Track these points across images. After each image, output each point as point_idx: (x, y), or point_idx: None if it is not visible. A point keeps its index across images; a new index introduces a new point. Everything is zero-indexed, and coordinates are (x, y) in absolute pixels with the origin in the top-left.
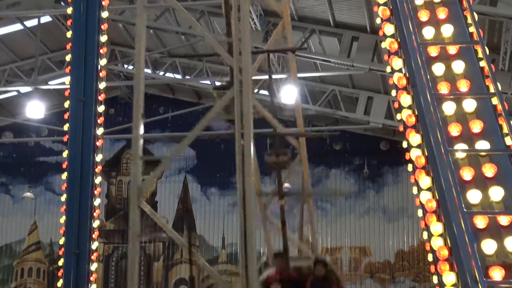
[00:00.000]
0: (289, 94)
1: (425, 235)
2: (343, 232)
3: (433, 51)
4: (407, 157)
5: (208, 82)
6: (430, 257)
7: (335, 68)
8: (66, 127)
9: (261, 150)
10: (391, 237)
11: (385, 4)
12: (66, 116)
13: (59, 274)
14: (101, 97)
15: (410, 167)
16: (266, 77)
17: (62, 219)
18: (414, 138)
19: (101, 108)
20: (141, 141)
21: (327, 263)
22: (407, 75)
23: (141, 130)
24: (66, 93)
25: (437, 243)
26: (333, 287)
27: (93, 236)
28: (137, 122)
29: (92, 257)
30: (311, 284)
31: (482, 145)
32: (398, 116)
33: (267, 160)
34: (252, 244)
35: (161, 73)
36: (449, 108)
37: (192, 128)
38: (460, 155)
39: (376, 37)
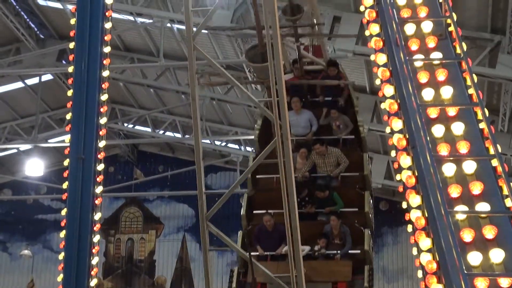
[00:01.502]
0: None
1: None
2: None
3: (433, 112)
4: (406, 218)
5: (208, 141)
6: None
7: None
8: (65, 185)
9: None
10: None
11: (384, 65)
12: (65, 174)
13: None
14: (101, 156)
15: (409, 228)
16: None
17: (60, 278)
18: (414, 199)
19: (100, 167)
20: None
21: (338, 64)
22: (407, 136)
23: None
24: (66, 151)
25: None
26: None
27: None
28: (199, 160)
29: None
30: (322, 78)
31: (482, 206)
32: (398, 177)
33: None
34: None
35: (161, 132)
36: (449, 169)
37: (192, 187)
38: (460, 216)
39: (376, 97)
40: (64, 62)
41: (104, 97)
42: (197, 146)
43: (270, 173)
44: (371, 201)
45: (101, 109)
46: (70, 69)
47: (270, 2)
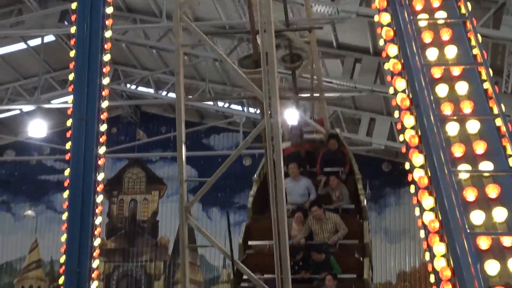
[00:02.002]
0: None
1: (427, 256)
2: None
3: (437, 72)
4: (409, 179)
5: (210, 102)
6: (432, 278)
7: (338, 90)
8: (68, 145)
9: None
10: (392, 258)
11: (388, 25)
12: (68, 134)
13: None
14: (104, 116)
15: (412, 189)
16: None
17: (63, 238)
18: (417, 158)
19: (103, 127)
20: (185, 165)
21: (339, 137)
22: (411, 96)
23: (184, 154)
24: (69, 112)
25: (439, 263)
26: (343, 159)
27: (94, 254)
28: (180, 147)
29: (93, 275)
30: (323, 155)
31: (486, 166)
32: (401, 137)
33: (285, 64)
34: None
35: (164, 92)
36: (452, 129)
37: (194, 148)
38: (463, 175)
39: (379, 59)
40: (66, 23)
41: (107, 57)
42: (179, 131)
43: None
44: (371, 269)
45: (104, 70)
46: (73, 29)
47: (266, 7)
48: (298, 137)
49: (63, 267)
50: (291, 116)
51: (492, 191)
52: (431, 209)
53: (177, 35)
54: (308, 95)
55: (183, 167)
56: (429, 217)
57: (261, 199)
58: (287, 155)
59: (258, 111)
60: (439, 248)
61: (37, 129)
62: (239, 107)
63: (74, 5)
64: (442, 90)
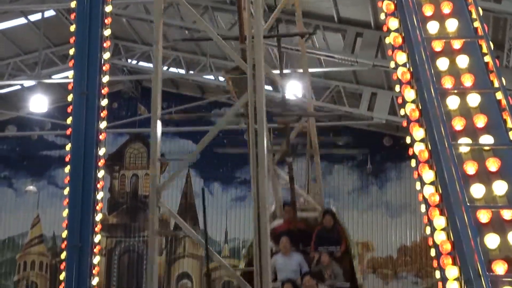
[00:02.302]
0: (295, 89)
1: (427, 230)
2: (347, 227)
3: (438, 45)
4: (410, 153)
5: (211, 77)
6: (432, 252)
7: (339, 64)
8: (69, 120)
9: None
10: (393, 233)
11: None
12: (69, 109)
13: (62, 267)
14: (104, 91)
15: (413, 163)
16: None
17: (65, 213)
18: (418, 132)
19: (104, 102)
20: (159, 144)
21: (335, 213)
22: (411, 70)
23: (159, 131)
24: (69, 87)
25: (440, 237)
26: (339, 237)
27: (96, 229)
28: (155, 124)
29: (95, 250)
30: (317, 232)
31: (486, 139)
32: (402, 111)
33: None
34: (266, 238)
35: (165, 67)
36: (453, 102)
37: (195, 123)
38: (463, 149)
39: (380, 33)
40: None
41: (107, 32)
42: (154, 106)
43: None
44: None
45: (104, 45)
46: (73, 4)
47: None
48: (291, 214)
49: (65, 242)
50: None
51: (493, 164)
52: (431, 183)
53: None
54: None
55: (156, 145)
56: (429, 191)
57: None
58: (279, 232)
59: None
60: (439, 221)
61: (38, 104)
62: None
63: None
64: (442, 63)
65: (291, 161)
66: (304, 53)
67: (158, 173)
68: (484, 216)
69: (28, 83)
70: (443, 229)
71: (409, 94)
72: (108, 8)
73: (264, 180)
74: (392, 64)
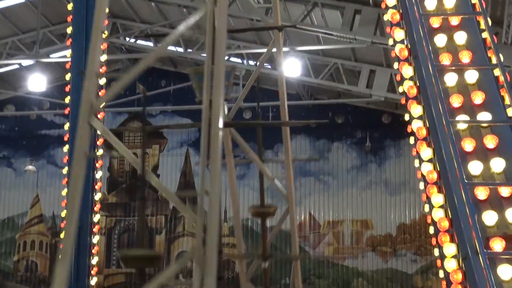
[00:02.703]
0: (291, 68)
1: (426, 208)
2: (345, 205)
3: (435, 22)
4: (409, 130)
5: None
6: (431, 230)
7: (338, 41)
8: (67, 99)
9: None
10: (393, 211)
11: None
12: (67, 89)
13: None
14: (102, 70)
15: (412, 140)
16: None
17: (64, 192)
18: (416, 109)
19: (102, 81)
20: (100, 54)
21: None
22: (409, 47)
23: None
24: (67, 66)
25: (438, 214)
26: None
27: (95, 209)
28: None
29: (94, 229)
30: None
31: (484, 116)
32: (400, 89)
33: None
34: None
35: None
36: (450, 79)
37: (193, 102)
38: (461, 126)
39: (379, 10)
40: None
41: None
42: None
43: None
44: None
45: None
46: None
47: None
48: None
49: (65, 222)
50: None
51: (490, 141)
52: (429, 160)
53: None
54: None
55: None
56: (427, 168)
57: None
58: None
59: (259, 63)
60: (437, 199)
61: (37, 83)
62: (239, 60)
63: None
64: (440, 40)
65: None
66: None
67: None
68: (481, 193)
69: (26, 62)
70: (441, 207)
71: (407, 71)
72: None
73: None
74: (391, 41)
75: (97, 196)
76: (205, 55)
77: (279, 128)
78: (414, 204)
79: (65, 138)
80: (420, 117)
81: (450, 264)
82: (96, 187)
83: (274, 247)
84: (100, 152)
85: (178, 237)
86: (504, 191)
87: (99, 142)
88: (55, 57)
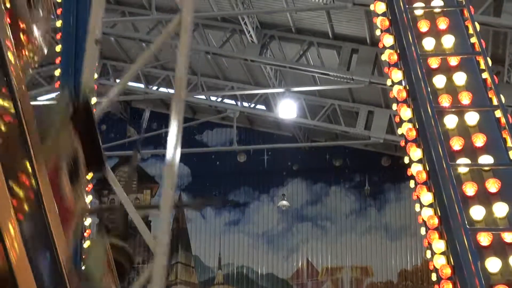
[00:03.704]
0: (286, 109)
1: (428, 253)
2: (344, 251)
3: (434, 62)
4: (409, 173)
5: (203, 97)
6: (434, 277)
7: (334, 82)
8: None
9: (258, 166)
10: (393, 256)
11: (383, 14)
12: None
13: None
14: None
15: (412, 184)
16: (264, 91)
17: None
18: (415, 152)
19: None
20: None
21: None
22: (407, 88)
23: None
24: None
25: (439, 261)
26: None
27: (84, 257)
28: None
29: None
30: None
31: (485, 159)
32: (400, 131)
33: None
34: None
35: (155, 87)
36: (450, 121)
37: (186, 145)
38: (462, 170)
39: (377, 49)
40: (52, 16)
41: None
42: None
43: None
44: None
45: None
46: (58, 23)
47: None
48: None
49: None
50: None
51: (493, 185)
52: (430, 205)
53: None
54: None
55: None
56: (427, 213)
57: None
58: None
59: (253, 105)
60: (439, 245)
61: None
62: (232, 101)
63: None
64: (439, 81)
65: None
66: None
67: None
68: (484, 239)
69: None
70: (442, 253)
71: (406, 113)
72: None
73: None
74: (389, 82)
75: (86, 244)
76: (198, 96)
77: (274, 172)
78: (416, 249)
79: None
80: (419, 161)
81: None
82: (85, 234)
83: None
84: (89, 198)
85: (171, 286)
86: (508, 237)
87: (88, 188)
88: (43, 100)
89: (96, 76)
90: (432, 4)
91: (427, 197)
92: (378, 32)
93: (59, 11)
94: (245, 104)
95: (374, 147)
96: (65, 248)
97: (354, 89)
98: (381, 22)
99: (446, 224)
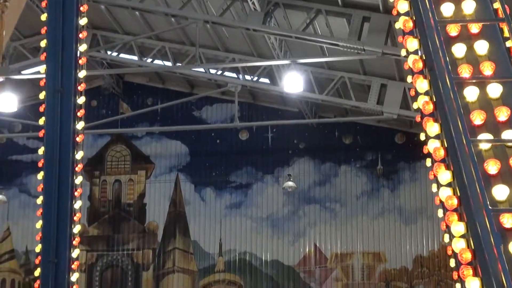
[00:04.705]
0: (292, 83)
1: (446, 238)
2: (355, 236)
3: (453, 30)
4: (425, 151)
5: (202, 69)
6: (452, 263)
7: (344, 53)
8: (41, 121)
9: (261, 144)
10: (408, 241)
11: None
12: (41, 109)
13: (36, 286)
14: (81, 87)
15: (428, 162)
16: (268, 63)
17: (39, 224)
18: (432, 128)
19: (81, 100)
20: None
21: None
22: (424, 58)
23: None
24: (42, 83)
25: (458, 245)
26: None
27: (74, 243)
28: None
29: (73, 266)
30: None
31: (509, 134)
32: (415, 105)
33: None
34: None
35: (149, 60)
36: (471, 93)
37: (184, 121)
38: (484, 146)
39: (390, 17)
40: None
41: (83, 21)
42: None
43: None
44: None
45: (80, 35)
46: None
47: None
48: None
49: (39, 258)
50: None
51: None
52: (448, 184)
53: None
54: None
55: None
56: (446, 193)
57: None
58: None
59: (256, 78)
60: (458, 227)
61: (7, 103)
62: (233, 74)
63: None
64: (459, 50)
65: None
66: None
67: None
68: (508, 220)
69: None
70: (462, 236)
71: (422, 85)
72: None
73: None
74: (403, 52)
75: (76, 229)
76: (196, 69)
77: (279, 151)
78: (433, 233)
79: (40, 164)
80: (437, 137)
81: None
82: (75, 218)
83: (271, 278)
84: (79, 179)
85: (168, 273)
86: None
87: (78, 168)
88: (27, 74)
89: (85, 47)
90: None
91: (445, 176)
92: None
93: None
94: (248, 77)
95: (387, 123)
96: None
97: (365, 60)
98: None
99: (466, 205)
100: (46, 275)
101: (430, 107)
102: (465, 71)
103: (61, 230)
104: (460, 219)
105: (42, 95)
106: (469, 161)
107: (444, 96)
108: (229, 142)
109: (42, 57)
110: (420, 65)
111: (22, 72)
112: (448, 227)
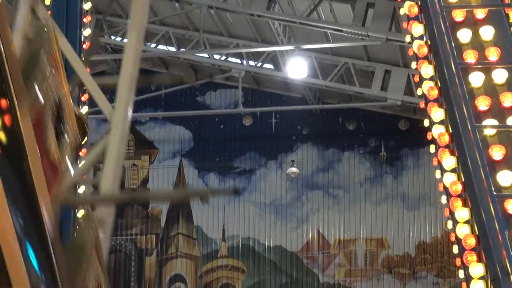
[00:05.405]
0: (296, 68)
1: (449, 224)
2: (358, 222)
3: (458, 15)
4: (429, 137)
5: (205, 55)
6: (455, 249)
7: (348, 39)
8: None
9: (265, 130)
10: (411, 228)
11: None
12: None
13: None
14: None
15: (432, 148)
16: (271, 48)
17: None
18: (437, 113)
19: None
20: None
21: None
22: (429, 43)
23: None
24: None
25: (462, 231)
26: None
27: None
28: None
29: None
30: None
31: None
32: (419, 91)
33: None
34: None
35: (153, 45)
36: (476, 79)
37: (187, 107)
38: (489, 131)
39: (395, 3)
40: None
41: (87, 5)
42: None
43: None
44: None
45: (84, 20)
46: None
47: None
48: None
49: None
50: None
51: None
52: (453, 170)
53: None
54: None
55: None
56: (450, 179)
57: None
58: None
59: (260, 64)
60: (462, 213)
61: None
62: (237, 60)
63: None
64: (464, 35)
65: None
66: None
67: None
68: None
69: None
70: (466, 222)
71: (427, 70)
72: None
73: None
74: (408, 38)
75: (80, 213)
76: (200, 54)
77: (283, 137)
78: (436, 220)
79: None
80: (442, 122)
81: (477, 287)
82: None
83: (274, 264)
84: None
85: (171, 258)
86: None
87: (82, 153)
88: None
89: (89, 32)
90: None
91: (449, 161)
92: None
93: None
94: (251, 63)
95: (391, 109)
96: (50, 208)
97: (369, 46)
98: None
99: (470, 190)
100: None
101: (435, 93)
102: (470, 57)
103: (64, 215)
104: (465, 205)
105: None
106: (474, 147)
107: (449, 82)
108: (232, 127)
109: None
110: (425, 50)
111: None
112: (452, 213)
